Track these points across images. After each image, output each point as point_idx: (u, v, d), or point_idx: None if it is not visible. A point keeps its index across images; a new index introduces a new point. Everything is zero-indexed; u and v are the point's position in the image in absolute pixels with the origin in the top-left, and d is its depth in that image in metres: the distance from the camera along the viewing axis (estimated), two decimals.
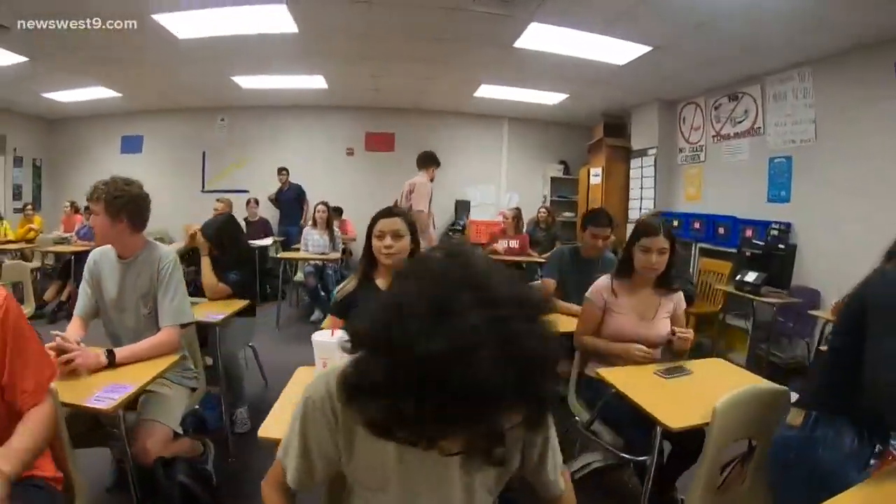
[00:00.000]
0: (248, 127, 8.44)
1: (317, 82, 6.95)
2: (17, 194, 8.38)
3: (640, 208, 6.92)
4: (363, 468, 1.03)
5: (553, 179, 8.58)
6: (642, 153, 6.94)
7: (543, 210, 7.08)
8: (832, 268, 4.40)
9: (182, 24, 4.64)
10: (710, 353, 4.70)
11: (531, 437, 1.07)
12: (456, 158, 8.45)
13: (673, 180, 6.69)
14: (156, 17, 4.43)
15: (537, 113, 7.97)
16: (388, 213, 2.07)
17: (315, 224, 5.97)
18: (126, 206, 2.08)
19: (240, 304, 3.09)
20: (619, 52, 5.00)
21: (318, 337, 1.59)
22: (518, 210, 6.39)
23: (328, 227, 5.93)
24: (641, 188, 6.95)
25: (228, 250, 3.28)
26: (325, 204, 6.05)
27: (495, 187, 8.64)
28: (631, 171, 7.18)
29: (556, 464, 1.14)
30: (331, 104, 8.06)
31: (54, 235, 7.22)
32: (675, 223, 5.97)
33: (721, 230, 5.33)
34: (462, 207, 8.40)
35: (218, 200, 6.68)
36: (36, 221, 7.57)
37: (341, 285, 2.20)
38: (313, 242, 5.86)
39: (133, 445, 1.88)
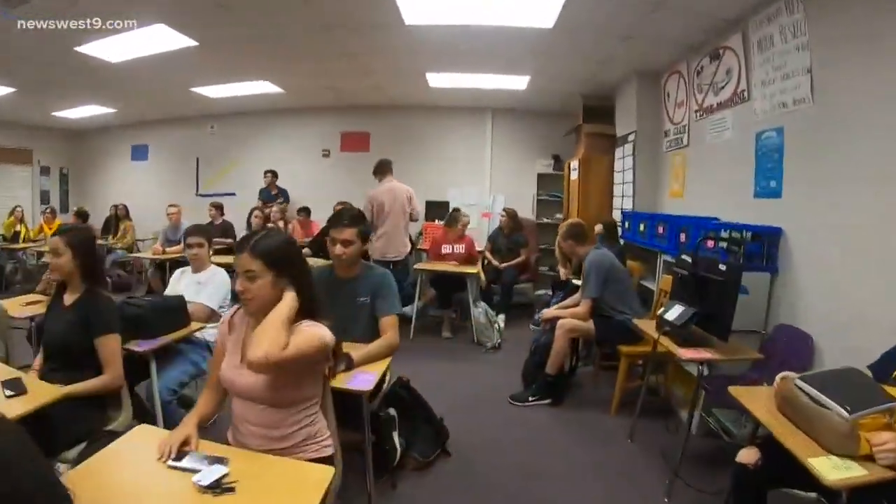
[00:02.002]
0: (234, 133, 7.74)
1: (268, 87, 6.05)
2: (44, 200, 8.42)
3: (622, 208, 5.12)
4: None
5: (540, 176, 6.79)
6: (624, 140, 5.14)
7: (503, 215, 5.63)
8: (831, 299, 2.57)
9: (105, 51, 4.43)
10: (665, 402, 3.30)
11: None
12: (434, 157, 7.09)
13: (659, 173, 4.81)
14: (78, 49, 4.31)
15: (518, 101, 6.36)
16: (55, 233, 2.17)
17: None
18: None
19: None
20: (531, 12, 3.59)
21: None
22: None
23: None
24: (623, 183, 5.15)
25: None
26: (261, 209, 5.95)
27: (479, 187, 7.05)
28: (615, 162, 5.37)
29: None
30: (299, 106, 7.08)
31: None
32: (641, 227, 4.21)
33: (683, 237, 3.52)
34: (435, 211, 6.70)
35: (171, 206, 6.11)
36: (56, 224, 7.51)
37: None
38: None
39: None
